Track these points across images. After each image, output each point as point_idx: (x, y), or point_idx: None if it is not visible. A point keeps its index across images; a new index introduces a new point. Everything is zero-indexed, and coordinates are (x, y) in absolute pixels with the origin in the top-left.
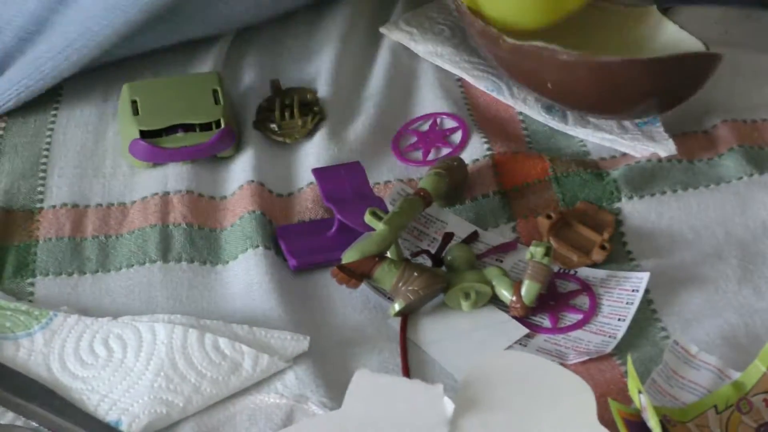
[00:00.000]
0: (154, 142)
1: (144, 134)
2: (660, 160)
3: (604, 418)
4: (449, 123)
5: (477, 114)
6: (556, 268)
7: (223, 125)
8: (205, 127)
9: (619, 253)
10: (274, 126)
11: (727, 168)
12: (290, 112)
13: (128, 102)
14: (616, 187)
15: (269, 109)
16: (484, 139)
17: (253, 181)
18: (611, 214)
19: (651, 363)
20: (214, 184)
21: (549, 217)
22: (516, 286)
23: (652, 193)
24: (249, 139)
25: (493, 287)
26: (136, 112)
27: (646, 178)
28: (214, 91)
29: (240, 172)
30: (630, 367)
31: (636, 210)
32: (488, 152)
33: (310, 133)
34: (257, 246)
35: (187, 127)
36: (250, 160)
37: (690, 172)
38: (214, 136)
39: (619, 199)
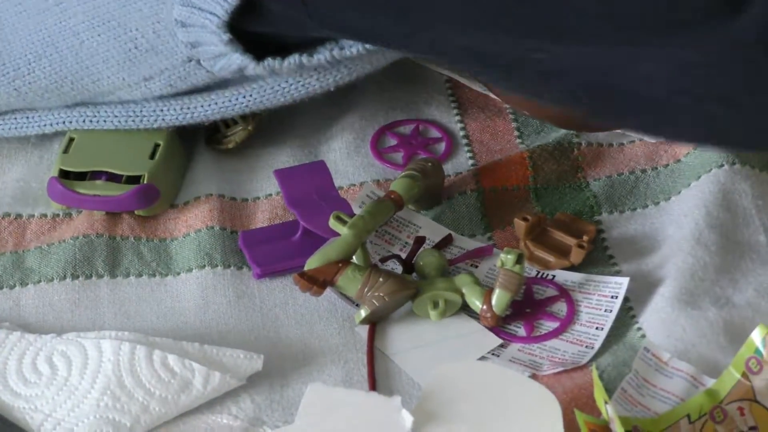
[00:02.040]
0: (70, 184)
1: (68, 174)
2: (644, 170)
3: (573, 428)
4: (434, 132)
5: (464, 108)
6: (533, 272)
7: (144, 181)
8: (133, 179)
9: (599, 257)
10: (219, 136)
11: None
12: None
13: (66, 139)
14: (596, 201)
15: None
16: (469, 154)
17: (211, 194)
18: (592, 224)
19: (626, 368)
20: None
21: (526, 219)
22: (487, 294)
23: (633, 208)
24: (203, 154)
25: (463, 295)
26: (66, 150)
27: (628, 191)
28: (156, 146)
29: (196, 184)
30: (595, 377)
31: (618, 222)
32: (472, 167)
33: (253, 136)
34: (216, 265)
35: (112, 177)
36: (204, 171)
37: (674, 175)
38: (129, 191)
39: (600, 213)
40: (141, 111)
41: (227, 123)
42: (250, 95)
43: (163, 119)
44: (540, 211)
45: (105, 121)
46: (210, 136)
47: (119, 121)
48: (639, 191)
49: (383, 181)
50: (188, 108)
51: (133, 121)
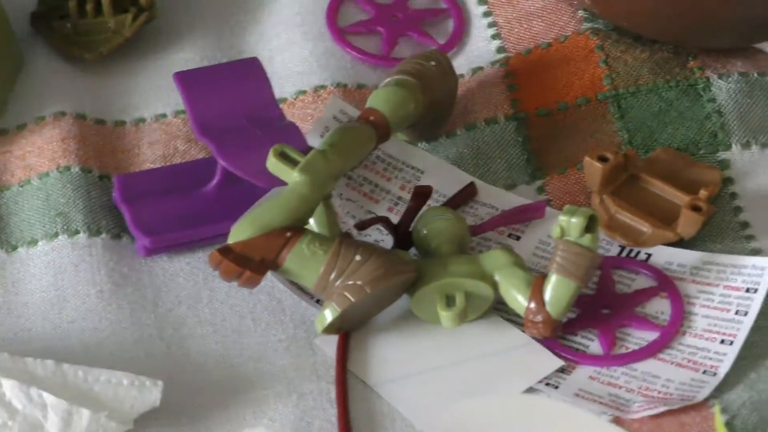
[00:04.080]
0: None
1: None
2: None
3: None
4: (433, 1)
5: None
6: (614, 248)
7: None
8: None
9: (726, 224)
10: (67, 26)
11: None
12: (96, 1)
13: None
14: (722, 122)
15: None
16: (493, 31)
17: (63, 112)
18: (715, 169)
19: None
20: None
21: (603, 159)
22: (537, 284)
23: None
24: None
25: (496, 285)
26: None
27: None
28: None
29: (35, 96)
30: (719, 422)
31: (759, 164)
32: (500, 55)
33: (131, 40)
34: (76, 232)
35: None
36: (50, 74)
37: None
38: None
39: (728, 146)
40: None
41: (82, 4)
42: None
43: None
44: (627, 143)
45: None
46: (40, 15)
47: None
48: None
49: (353, 87)
50: None
51: None
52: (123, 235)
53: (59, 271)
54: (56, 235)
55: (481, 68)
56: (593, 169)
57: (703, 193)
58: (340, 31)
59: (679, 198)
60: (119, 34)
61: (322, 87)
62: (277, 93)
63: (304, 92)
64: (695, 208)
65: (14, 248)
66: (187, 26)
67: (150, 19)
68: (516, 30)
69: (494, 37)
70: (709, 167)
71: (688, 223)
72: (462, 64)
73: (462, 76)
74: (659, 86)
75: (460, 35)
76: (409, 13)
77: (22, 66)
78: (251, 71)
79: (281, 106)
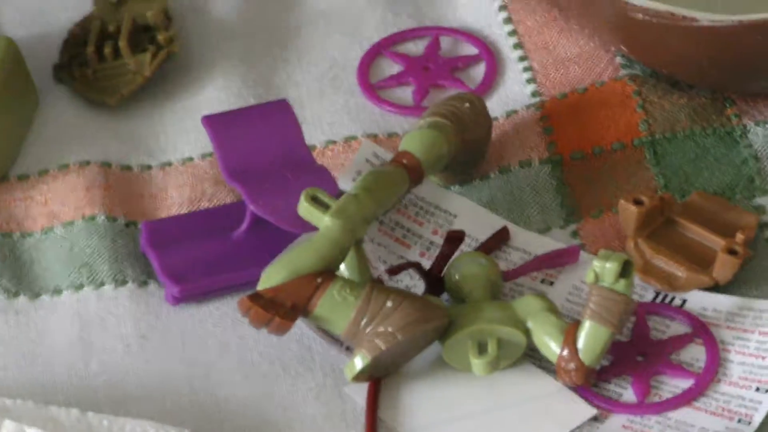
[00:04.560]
0: None
1: None
2: None
3: None
4: (465, 46)
5: (524, 39)
6: (649, 293)
7: None
8: None
9: (762, 268)
10: (87, 72)
11: None
12: (114, 45)
13: None
14: (759, 167)
15: (82, 43)
16: (527, 75)
17: (87, 161)
18: (752, 213)
19: None
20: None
21: (639, 202)
22: (570, 331)
23: None
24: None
25: (529, 332)
26: None
27: None
28: None
29: (58, 143)
30: None
31: None
32: (535, 99)
33: (154, 80)
34: (102, 283)
35: None
36: (71, 121)
37: None
38: None
39: (765, 192)
40: None
41: (100, 49)
42: None
43: None
44: (663, 188)
45: None
46: (63, 65)
47: None
48: None
49: (385, 136)
50: None
51: None
52: (150, 282)
53: (85, 324)
54: (81, 286)
55: (515, 111)
56: (628, 212)
57: (739, 236)
58: (371, 87)
59: (715, 242)
60: (140, 75)
61: (353, 138)
62: (307, 140)
63: (334, 142)
64: (731, 252)
65: (37, 295)
66: (210, 64)
67: (170, 55)
68: (552, 75)
69: (529, 81)
70: (745, 211)
71: (724, 267)
72: (496, 107)
73: (496, 119)
74: (696, 133)
75: (492, 79)
76: (440, 62)
77: (37, 106)
78: (281, 113)
79: (316, 151)
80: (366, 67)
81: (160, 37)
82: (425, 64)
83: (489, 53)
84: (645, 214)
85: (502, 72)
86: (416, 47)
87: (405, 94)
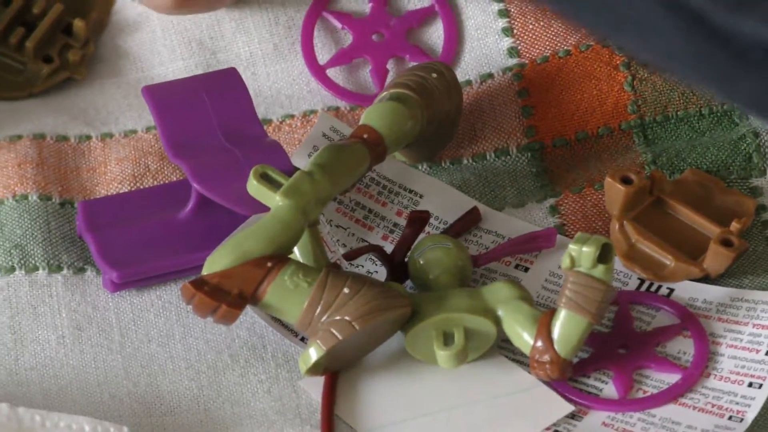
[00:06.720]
0: None
1: None
2: None
3: None
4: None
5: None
6: (632, 280)
7: None
8: None
9: (757, 255)
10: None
11: None
12: (24, 36)
13: None
14: (758, 144)
15: None
16: (504, 23)
17: (19, 136)
18: (749, 197)
19: None
20: None
21: (627, 180)
22: (544, 320)
23: None
24: None
25: (499, 322)
26: None
27: None
28: None
29: None
30: None
31: None
32: (512, 60)
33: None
34: (35, 268)
35: None
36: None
37: None
38: None
39: (763, 171)
40: None
41: (5, 34)
42: None
43: None
44: (651, 163)
45: None
46: None
47: None
48: None
49: (346, 109)
50: None
51: None
52: (87, 268)
53: (16, 312)
54: (12, 269)
55: (491, 75)
56: (615, 191)
57: (735, 225)
58: (320, 69)
59: (708, 229)
60: (29, 84)
61: (312, 111)
62: (261, 115)
63: (292, 116)
64: (726, 243)
65: None
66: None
67: (68, 78)
68: (531, 27)
69: (505, 31)
70: (743, 195)
71: (716, 259)
72: (469, 68)
73: (469, 83)
74: (691, 114)
75: (453, 33)
76: (393, 25)
77: None
78: (229, 84)
79: (265, 128)
80: (310, 37)
81: (71, 55)
82: (375, 29)
83: (447, 10)
84: (633, 193)
85: (471, 22)
86: (358, 3)
87: (363, 75)
